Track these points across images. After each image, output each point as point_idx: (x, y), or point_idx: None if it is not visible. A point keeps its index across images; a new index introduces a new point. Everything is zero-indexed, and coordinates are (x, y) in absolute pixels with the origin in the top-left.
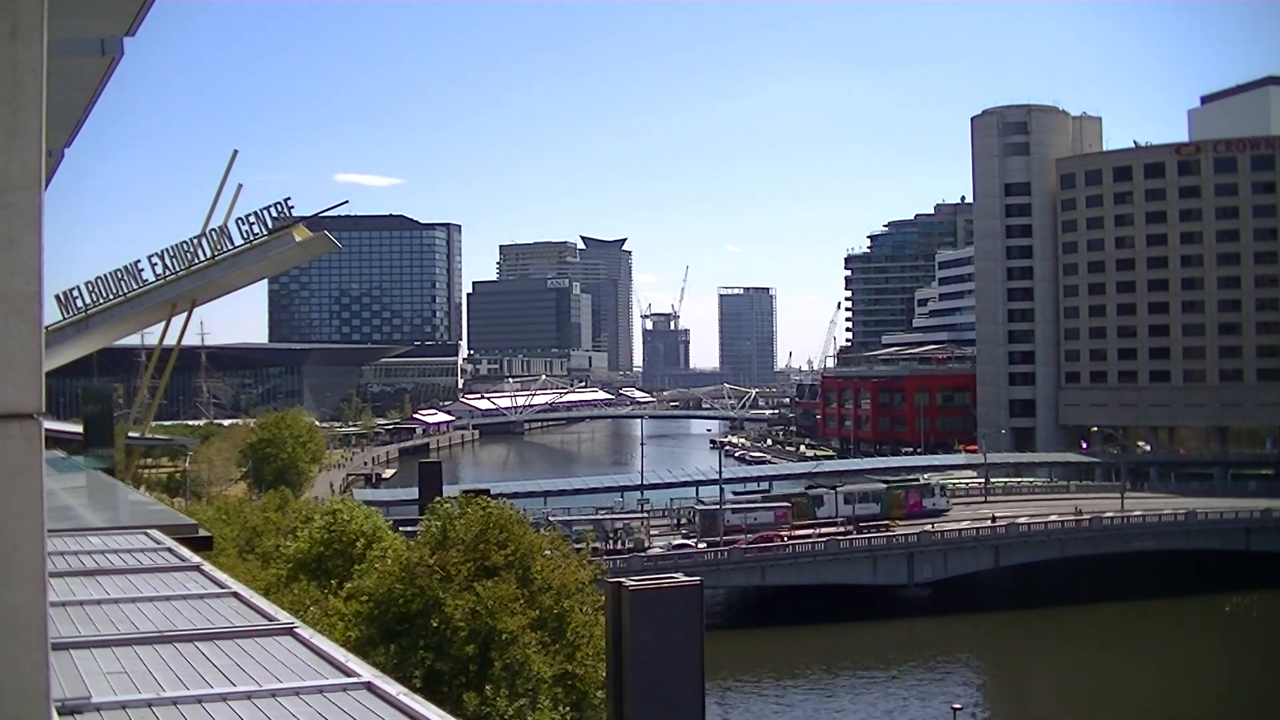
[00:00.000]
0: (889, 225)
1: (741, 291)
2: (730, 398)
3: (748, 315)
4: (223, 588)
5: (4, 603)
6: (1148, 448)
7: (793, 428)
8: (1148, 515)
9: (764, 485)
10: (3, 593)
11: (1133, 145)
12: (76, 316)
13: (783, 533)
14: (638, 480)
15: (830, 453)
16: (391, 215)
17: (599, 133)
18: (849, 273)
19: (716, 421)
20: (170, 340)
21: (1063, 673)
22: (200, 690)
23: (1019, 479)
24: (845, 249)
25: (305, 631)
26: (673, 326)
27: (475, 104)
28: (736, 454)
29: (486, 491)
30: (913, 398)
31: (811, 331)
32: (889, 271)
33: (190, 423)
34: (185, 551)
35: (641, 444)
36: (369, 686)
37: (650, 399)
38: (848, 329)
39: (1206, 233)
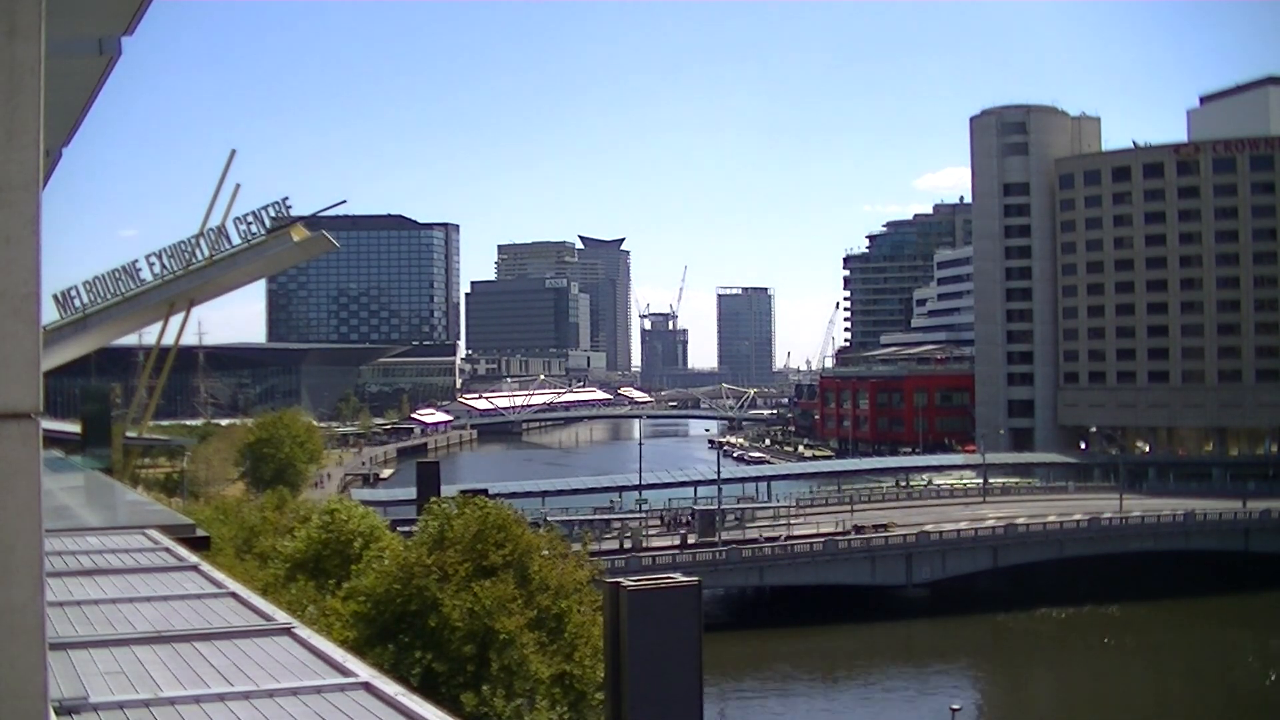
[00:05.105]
0: (888, 225)
1: (740, 291)
2: (728, 398)
3: (746, 315)
4: (220, 587)
5: (2, 602)
6: (1146, 448)
7: (791, 428)
8: (1146, 516)
9: (761, 485)
10: (1, 592)
11: (1132, 145)
12: (74, 316)
13: None
14: (636, 480)
15: (829, 453)
16: (389, 215)
17: (598, 133)
18: (847, 273)
19: (715, 422)
20: (168, 340)
21: (1061, 673)
22: (198, 690)
23: (1017, 479)
24: (844, 249)
25: (303, 631)
26: (671, 326)
27: (474, 104)
28: (735, 454)
29: (484, 491)
30: (911, 398)
31: (810, 331)
32: (887, 271)
33: (188, 422)
34: (183, 551)
35: (640, 444)
36: (367, 686)
37: (648, 399)
38: (846, 329)
39: (1205, 233)
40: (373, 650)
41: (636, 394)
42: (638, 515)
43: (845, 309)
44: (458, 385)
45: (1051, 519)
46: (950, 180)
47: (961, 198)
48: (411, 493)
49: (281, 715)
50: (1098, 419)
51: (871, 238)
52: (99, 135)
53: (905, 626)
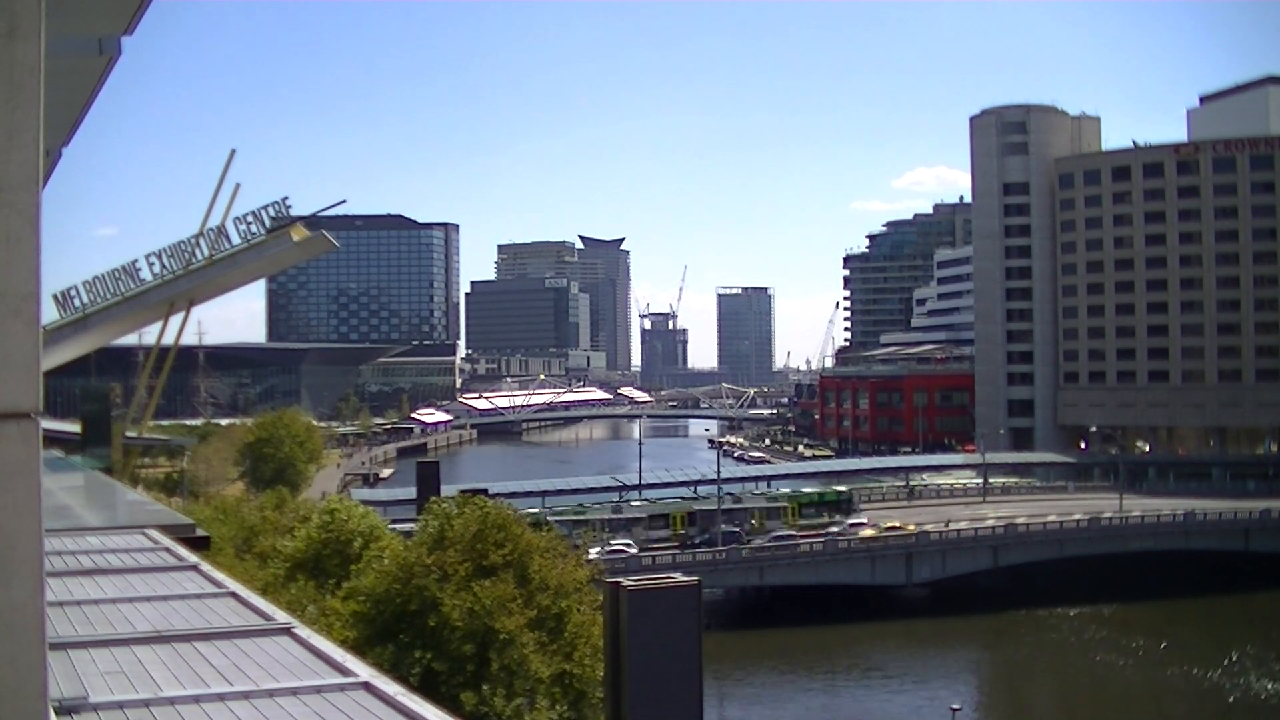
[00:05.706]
0: (888, 225)
1: (740, 291)
2: (728, 397)
3: (746, 315)
4: (220, 587)
5: (2, 602)
6: (1146, 448)
7: (791, 428)
8: (1146, 515)
9: (761, 485)
10: (0, 592)
11: (1131, 145)
12: (74, 316)
13: None
14: (636, 480)
15: (829, 452)
16: (389, 215)
17: (598, 133)
18: (847, 272)
19: (715, 421)
20: (168, 340)
21: (1061, 673)
22: (198, 690)
23: (1017, 479)
24: (844, 249)
25: (303, 631)
26: (671, 326)
27: (474, 104)
28: (735, 454)
29: (484, 491)
30: (911, 397)
31: (810, 331)
32: (887, 271)
33: (188, 422)
34: (183, 551)
35: (640, 444)
36: (366, 686)
37: (648, 399)
38: (846, 329)
39: (1205, 233)
40: (373, 650)
41: (636, 394)
42: (638, 515)
43: (845, 309)
44: (458, 385)
45: (1051, 518)
46: (916, 178)
47: (961, 197)
48: (411, 493)
49: (281, 715)
50: (1098, 419)
51: (871, 237)
52: (99, 135)
53: (905, 626)
